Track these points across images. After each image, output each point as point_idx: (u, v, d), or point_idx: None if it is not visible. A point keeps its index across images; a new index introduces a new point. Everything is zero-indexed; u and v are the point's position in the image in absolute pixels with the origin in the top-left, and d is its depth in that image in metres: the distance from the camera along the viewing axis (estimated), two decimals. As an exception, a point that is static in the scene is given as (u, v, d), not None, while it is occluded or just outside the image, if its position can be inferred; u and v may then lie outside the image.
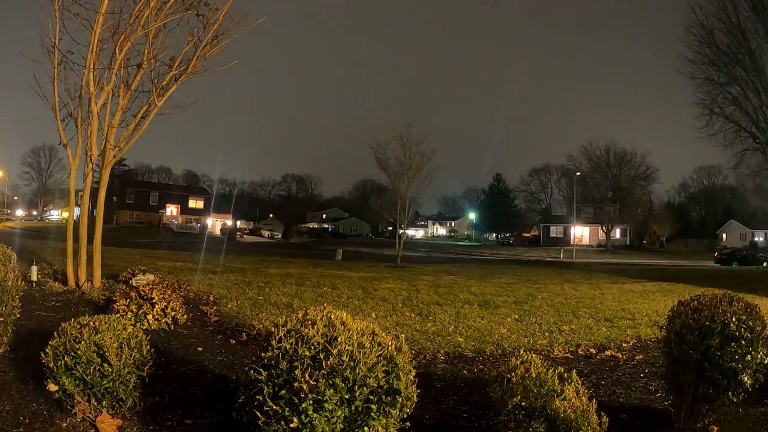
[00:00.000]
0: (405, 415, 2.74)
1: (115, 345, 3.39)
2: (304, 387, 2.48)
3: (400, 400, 2.63)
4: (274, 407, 2.54)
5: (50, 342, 3.42)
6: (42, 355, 3.37)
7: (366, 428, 2.57)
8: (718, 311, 3.62)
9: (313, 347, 2.60)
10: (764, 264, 33.66)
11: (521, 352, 4.03)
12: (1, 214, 66.60)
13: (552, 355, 5.85)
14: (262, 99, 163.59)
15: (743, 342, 3.50)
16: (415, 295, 9.80)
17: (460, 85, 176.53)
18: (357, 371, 2.54)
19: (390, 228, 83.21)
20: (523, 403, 3.01)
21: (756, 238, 60.02)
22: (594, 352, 6.02)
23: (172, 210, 73.46)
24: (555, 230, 73.67)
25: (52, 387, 3.35)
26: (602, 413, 3.10)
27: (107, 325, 3.52)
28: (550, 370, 3.23)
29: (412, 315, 7.75)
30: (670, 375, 3.89)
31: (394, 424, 2.68)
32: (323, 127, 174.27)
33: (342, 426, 2.56)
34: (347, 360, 2.55)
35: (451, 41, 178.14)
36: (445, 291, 10.60)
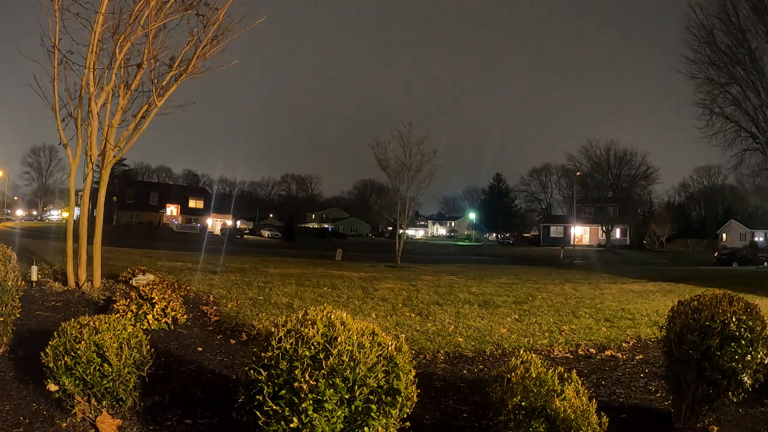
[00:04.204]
0: (405, 415, 2.74)
1: (115, 345, 3.39)
2: (304, 387, 2.48)
3: (400, 400, 2.63)
4: (274, 407, 2.54)
5: (50, 342, 3.42)
6: (42, 355, 3.37)
7: (366, 428, 2.57)
8: (718, 311, 3.62)
9: (313, 347, 2.60)
10: (764, 264, 33.65)
11: (521, 352, 4.03)
12: (1, 214, 66.62)
13: (552, 355, 5.85)
14: (262, 99, 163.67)
15: (743, 342, 3.50)
16: (415, 295, 9.80)
17: (460, 84, 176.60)
18: (357, 371, 2.54)
19: (390, 228, 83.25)
20: (523, 403, 3.01)
21: (756, 238, 60.01)
22: (594, 352, 6.02)
23: (172, 210, 73.51)
24: (555, 230, 73.73)
25: (52, 387, 3.35)
26: (602, 413, 3.10)
27: (107, 325, 3.51)
28: (550, 370, 3.23)
29: (412, 315, 7.75)
30: (670, 375, 3.89)
31: (394, 424, 2.68)
32: (323, 127, 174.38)
33: (342, 426, 2.56)
34: (347, 360, 2.55)
35: (451, 41, 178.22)
36: (445, 291, 10.60)
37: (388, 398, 2.60)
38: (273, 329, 2.77)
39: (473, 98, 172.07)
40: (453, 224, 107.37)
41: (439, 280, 13.16)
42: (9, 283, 4.35)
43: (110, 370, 3.33)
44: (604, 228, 65.38)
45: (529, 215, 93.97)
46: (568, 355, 5.92)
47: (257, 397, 2.60)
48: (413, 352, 5.53)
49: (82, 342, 3.34)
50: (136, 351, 3.53)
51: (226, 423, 3.54)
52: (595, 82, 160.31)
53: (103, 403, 3.44)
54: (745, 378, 3.52)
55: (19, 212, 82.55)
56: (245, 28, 7.92)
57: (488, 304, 9.03)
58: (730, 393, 3.58)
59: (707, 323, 3.58)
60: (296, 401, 2.50)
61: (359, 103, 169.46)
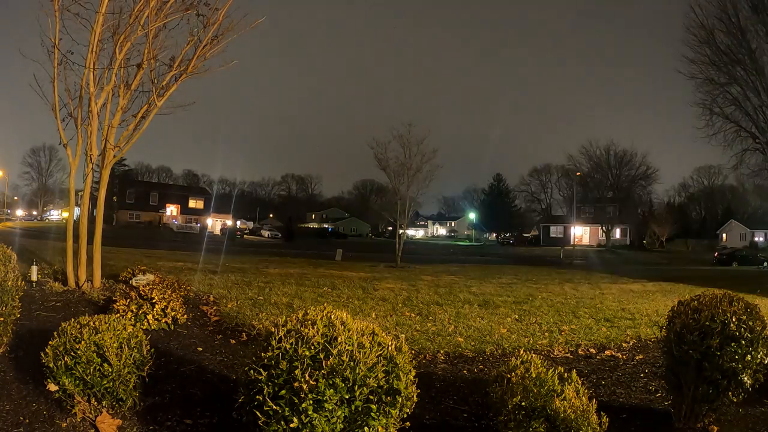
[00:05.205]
0: (405, 415, 2.74)
1: (115, 345, 3.39)
2: (304, 387, 2.48)
3: (400, 400, 2.63)
4: (274, 407, 2.53)
5: (50, 342, 3.41)
6: (42, 355, 3.37)
7: (366, 428, 2.57)
8: (718, 311, 3.62)
9: (313, 347, 2.60)
10: (764, 264, 33.63)
11: (521, 352, 4.03)
12: (1, 214, 66.65)
13: (552, 355, 5.85)
14: (262, 99, 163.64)
15: (743, 342, 3.50)
16: (415, 295, 9.80)
17: (460, 84, 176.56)
18: (357, 371, 2.54)
19: (390, 228, 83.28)
20: (523, 403, 3.01)
21: (756, 238, 59.98)
22: (594, 352, 6.02)
23: (172, 210, 73.46)
24: (555, 230, 73.72)
25: (52, 387, 3.35)
26: (602, 413, 3.10)
27: (107, 325, 3.51)
28: (550, 370, 3.24)
29: (412, 315, 7.74)
30: (670, 375, 3.89)
31: (394, 424, 2.68)
32: (323, 127, 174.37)
33: (342, 426, 2.56)
34: (347, 360, 2.55)
35: (451, 41, 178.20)
36: (445, 291, 10.60)
37: (388, 398, 2.60)
38: (273, 329, 2.77)
39: (474, 98, 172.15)
40: (453, 224, 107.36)
41: (439, 280, 13.16)
42: (9, 283, 4.34)
43: (110, 370, 3.33)
44: (604, 228, 65.35)
45: (529, 215, 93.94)
46: (568, 355, 5.91)
47: (257, 397, 2.60)
48: (413, 352, 5.53)
49: (82, 342, 3.34)
50: (136, 351, 3.53)
51: (226, 423, 3.55)
52: (595, 81, 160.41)
53: (103, 403, 3.44)
54: (745, 378, 3.52)
55: (19, 212, 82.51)
56: (245, 28, 7.93)
57: (488, 304, 9.03)
58: (730, 393, 3.58)
59: (707, 323, 3.58)
60: (296, 401, 2.50)
61: (359, 103, 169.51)
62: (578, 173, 66.46)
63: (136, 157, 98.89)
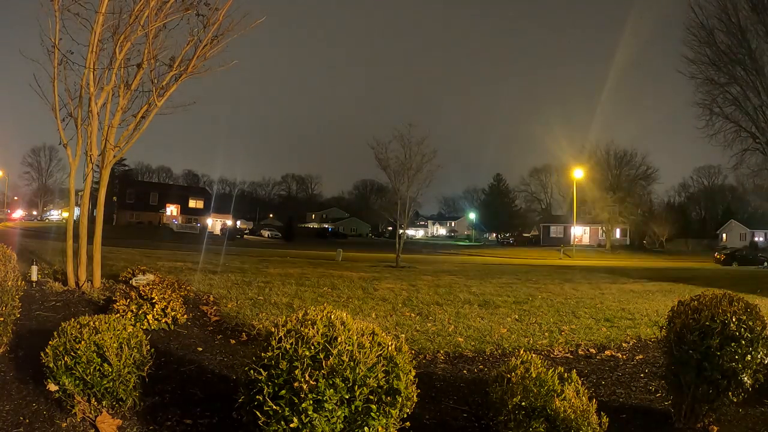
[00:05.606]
0: (405, 415, 2.74)
1: (115, 345, 3.39)
2: (304, 387, 2.48)
3: (400, 400, 2.63)
4: (274, 407, 2.54)
5: (50, 342, 3.41)
6: (42, 355, 3.37)
7: (366, 428, 2.57)
8: (718, 311, 3.62)
9: (313, 347, 2.60)
10: (764, 264, 33.64)
11: (521, 352, 4.03)
12: (1, 213, 66.66)
13: (552, 355, 5.85)
14: (262, 98, 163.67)
15: (743, 342, 3.50)
16: (415, 295, 9.79)
17: (460, 84, 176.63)
18: (357, 371, 2.54)
19: (390, 228, 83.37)
20: (523, 403, 3.01)
21: (756, 238, 60.03)
22: (594, 352, 6.02)
23: (172, 210, 73.52)
24: (555, 230, 73.79)
25: (52, 387, 3.35)
26: (602, 413, 3.10)
27: (107, 325, 3.51)
28: (550, 370, 3.24)
29: (412, 315, 7.74)
30: (670, 375, 3.89)
31: (394, 424, 2.68)
32: (323, 127, 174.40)
33: (342, 426, 2.56)
34: (347, 360, 2.55)
35: (451, 41, 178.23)
36: (445, 291, 10.59)
37: (388, 398, 2.60)
38: (273, 329, 2.77)
39: (474, 98, 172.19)
40: (453, 224, 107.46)
41: (439, 281, 13.15)
42: (9, 283, 4.34)
43: (110, 370, 3.33)
44: (604, 228, 65.34)
45: (529, 215, 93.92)
46: (568, 355, 5.91)
47: (257, 397, 2.60)
48: (413, 352, 5.53)
49: (82, 342, 3.34)
50: (136, 351, 3.53)
51: (226, 423, 3.54)
52: (596, 82, 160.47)
53: (103, 403, 3.44)
54: (745, 378, 3.53)
55: (19, 212, 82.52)
56: (245, 28, 7.92)
57: (488, 304, 9.03)
58: (730, 393, 3.58)
59: (707, 323, 3.58)
60: (296, 401, 2.50)
61: (360, 103, 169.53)
62: (578, 172, 66.41)
63: (136, 157, 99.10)
